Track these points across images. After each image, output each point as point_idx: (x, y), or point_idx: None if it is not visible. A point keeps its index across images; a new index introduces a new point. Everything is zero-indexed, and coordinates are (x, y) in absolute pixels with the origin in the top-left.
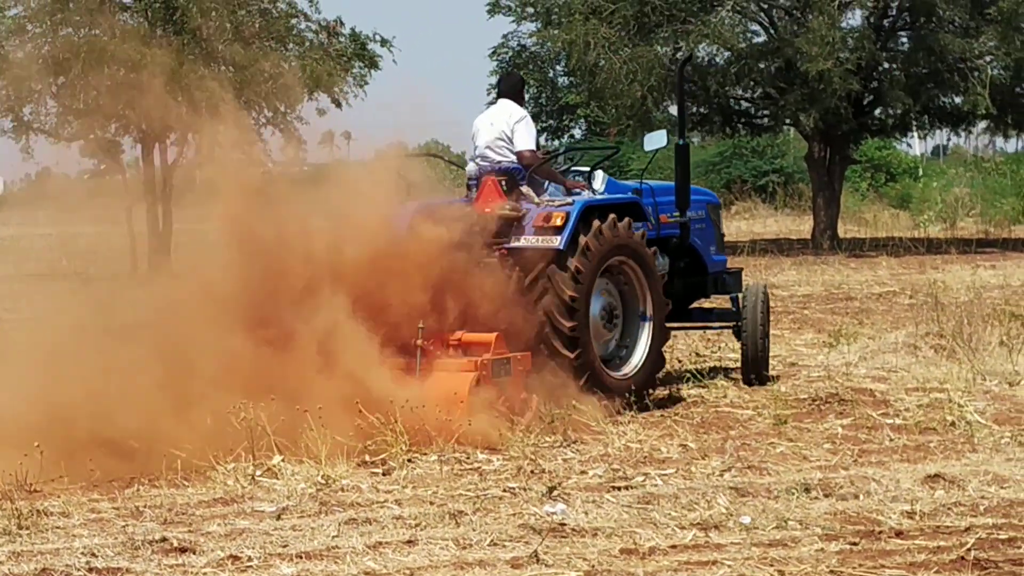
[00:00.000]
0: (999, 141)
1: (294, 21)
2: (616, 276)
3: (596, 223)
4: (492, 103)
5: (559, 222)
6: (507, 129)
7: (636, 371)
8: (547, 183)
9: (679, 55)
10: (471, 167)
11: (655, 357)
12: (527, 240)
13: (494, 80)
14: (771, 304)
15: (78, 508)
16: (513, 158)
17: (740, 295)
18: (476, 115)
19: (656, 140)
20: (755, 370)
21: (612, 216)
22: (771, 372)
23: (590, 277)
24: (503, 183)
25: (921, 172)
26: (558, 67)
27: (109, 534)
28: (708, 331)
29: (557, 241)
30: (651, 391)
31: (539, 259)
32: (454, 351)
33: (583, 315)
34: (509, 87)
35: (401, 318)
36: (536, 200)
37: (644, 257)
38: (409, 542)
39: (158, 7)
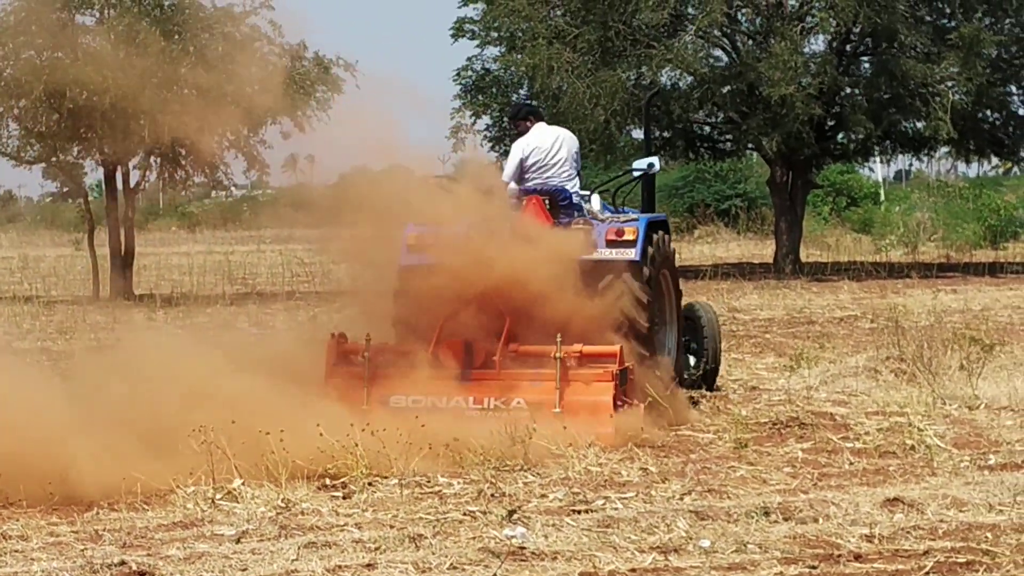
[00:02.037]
0: (961, 166)
1: (257, 44)
2: (656, 288)
3: (659, 233)
4: (514, 129)
5: (632, 236)
6: (575, 151)
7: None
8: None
9: (642, 80)
10: (512, 187)
11: (679, 369)
12: (601, 253)
13: (457, 104)
14: (734, 328)
15: (37, 532)
16: (563, 180)
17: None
18: (442, 138)
19: (645, 165)
20: (713, 378)
21: (663, 233)
22: (733, 396)
23: (657, 269)
24: (546, 202)
25: (883, 196)
26: (522, 91)
27: (68, 558)
28: None
29: (632, 253)
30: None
31: (614, 270)
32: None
33: (654, 295)
34: (540, 112)
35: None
36: (600, 217)
37: (675, 271)
38: (368, 566)
39: (121, 30)
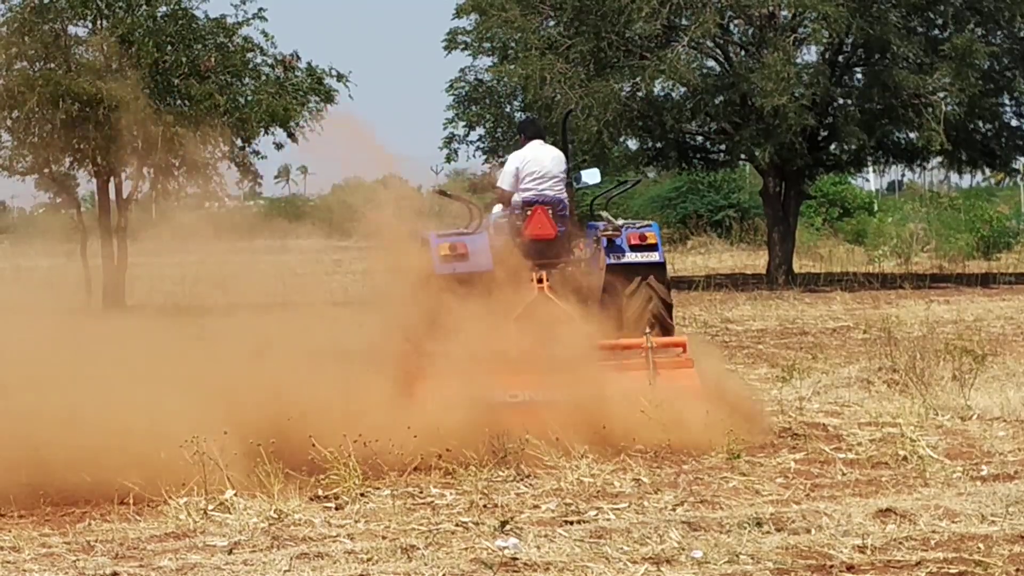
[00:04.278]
0: (953, 176)
1: (250, 55)
2: None
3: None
4: (518, 141)
5: (653, 240)
6: (564, 168)
7: None
8: None
9: (636, 90)
10: (517, 198)
11: None
12: (630, 257)
13: (450, 115)
14: (726, 339)
15: (28, 543)
16: (558, 193)
17: None
18: (434, 149)
19: (591, 176)
20: None
21: None
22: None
23: None
24: (549, 211)
25: (876, 207)
26: (515, 102)
27: (60, 569)
28: None
29: (656, 256)
30: None
31: (641, 271)
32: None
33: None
34: (539, 131)
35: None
36: (616, 223)
37: None
38: None
39: (114, 41)
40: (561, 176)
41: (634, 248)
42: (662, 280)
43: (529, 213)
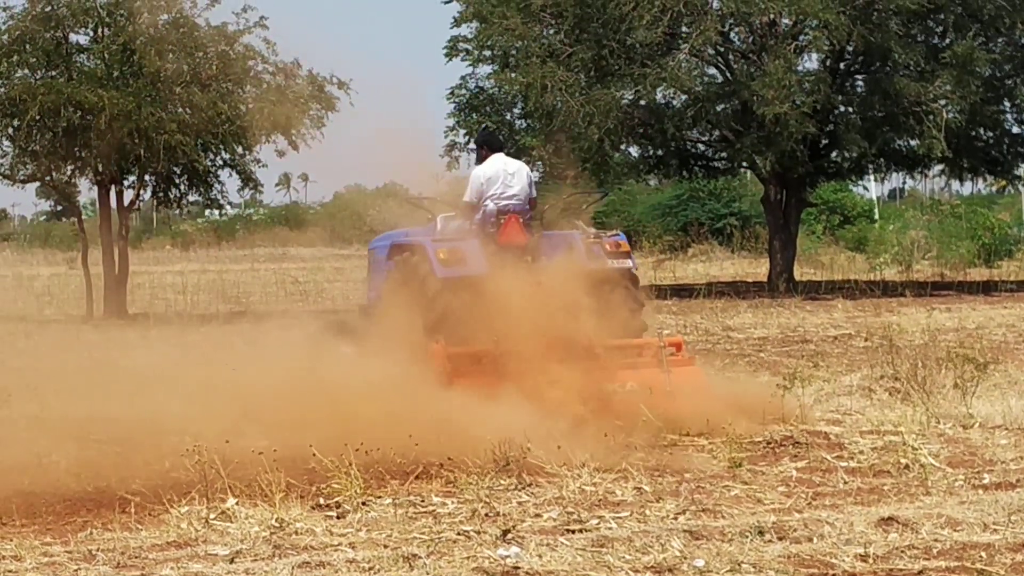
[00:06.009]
0: (955, 184)
1: (251, 63)
2: None
3: None
4: (480, 153)
5: (625, 249)
6: (528, 180)
7: None
8: None
9: (639, 98)
10: (490, 206)
11: None
12: (610, 263)
13: (451, 123)
14: (728, 347)
15: (30, 552)
16: (522, 203)
17: None
18: (438, 159)
19: None
20: None
21: None
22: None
23: None
24: (520, 220)
25: (877, 215)
26: (515, 109)
27: None
28: None
29: (629, 263)
30: None
31: (619, 277)
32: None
33: None
34: (500, 144)
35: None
36: (591, 232)
37: None
38: None
39: (115, 49)
40: (524, 187)
41: (611, 255)
42: (636, 285)
43: (502, 222)
